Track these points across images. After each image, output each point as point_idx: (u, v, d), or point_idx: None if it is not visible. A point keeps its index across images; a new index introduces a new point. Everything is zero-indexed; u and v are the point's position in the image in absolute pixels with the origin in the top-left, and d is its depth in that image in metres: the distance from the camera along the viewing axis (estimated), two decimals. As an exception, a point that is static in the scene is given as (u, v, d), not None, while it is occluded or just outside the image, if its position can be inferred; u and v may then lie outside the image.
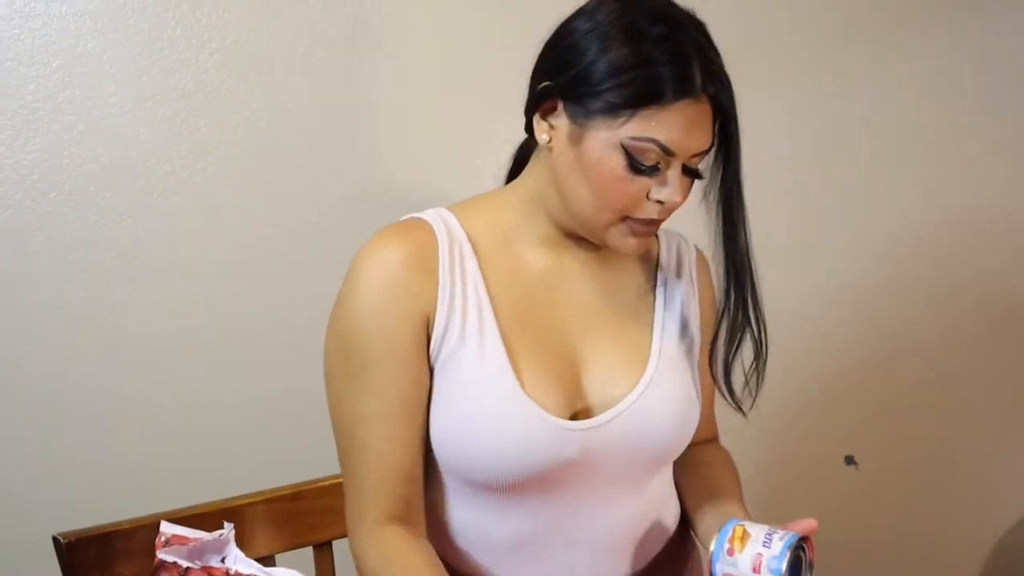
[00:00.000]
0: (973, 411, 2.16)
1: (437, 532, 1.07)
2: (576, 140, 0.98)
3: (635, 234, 1.00)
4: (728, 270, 1.04)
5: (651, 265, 1.14)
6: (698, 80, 0.94)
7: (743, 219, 1.03)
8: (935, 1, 1.96)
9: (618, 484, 1.07)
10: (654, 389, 1.06)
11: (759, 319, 1.06)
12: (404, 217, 1.06)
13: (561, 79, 0.98)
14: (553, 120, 1.00)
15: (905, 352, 2.08)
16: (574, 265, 1.08)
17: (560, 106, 0.99)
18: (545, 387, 1.01)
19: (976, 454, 2.18)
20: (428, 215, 1.05)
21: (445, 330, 1.00)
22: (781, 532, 0.95)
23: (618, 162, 0.95)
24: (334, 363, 1.02)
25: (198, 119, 1.55)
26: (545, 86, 0.99)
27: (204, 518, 1.21)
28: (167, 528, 0.93)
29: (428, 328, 1.00)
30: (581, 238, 1.06)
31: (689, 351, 1.13)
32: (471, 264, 1.03)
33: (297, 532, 1.29)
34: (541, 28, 1.03)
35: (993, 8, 2.00)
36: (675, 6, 0.99)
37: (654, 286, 1.13)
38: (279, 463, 1.51)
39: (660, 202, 0.98)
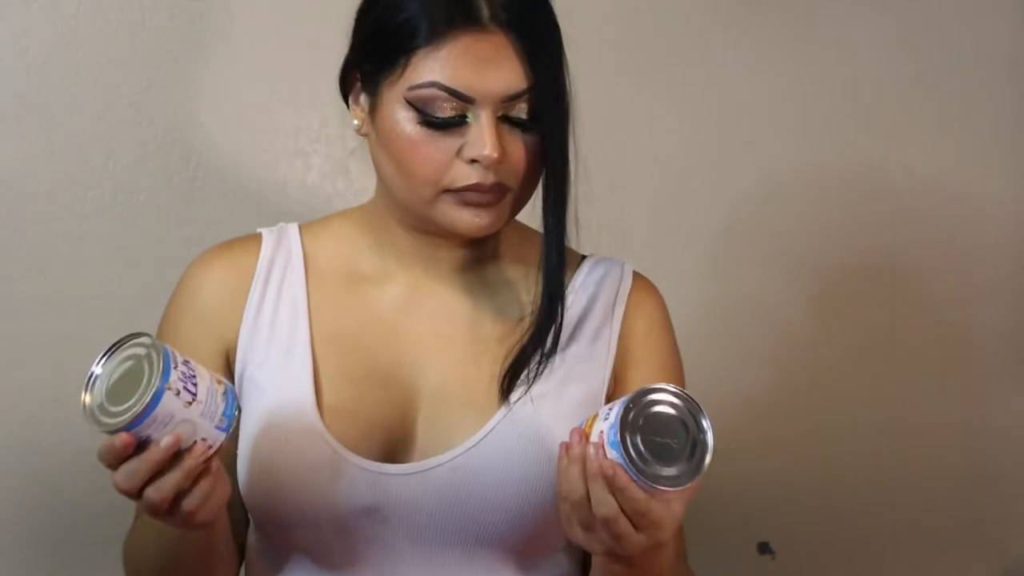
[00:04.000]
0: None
1: None
2: (373, 111, 0.94)
3: (466, 203, 0.91)
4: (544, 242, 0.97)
5: None
6: (484, 9, 0.89)
7: (562, 192, 0.95)
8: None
9: (449, 567, 0.95)
10: (498, 442, 0.95)
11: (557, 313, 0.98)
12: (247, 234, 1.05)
13: (353, 46, 0.96)
14: (358, 99, 0.97)
15: (820, 428, 1.85)
16: (438, 283, 1.01)
17: (357, 77, 0.96)
18: (353, 419, 0.95)
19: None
20: (268, 230, 1.04)
21: (247, 350, 0.98)
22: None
23: (409, 120, 0.90)
24: None
25: None
26: (344, 60, 0.97)
27: None
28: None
29: (230, 357, 0.99)
30: (456, 246, 1.01)
31: (579, 402, 0.99)
32: (295, 279, 1.00)
33: None
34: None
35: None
36: None
37: None
38: None
39: (474, 160, 0.89)
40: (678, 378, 1.06)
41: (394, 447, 0.95)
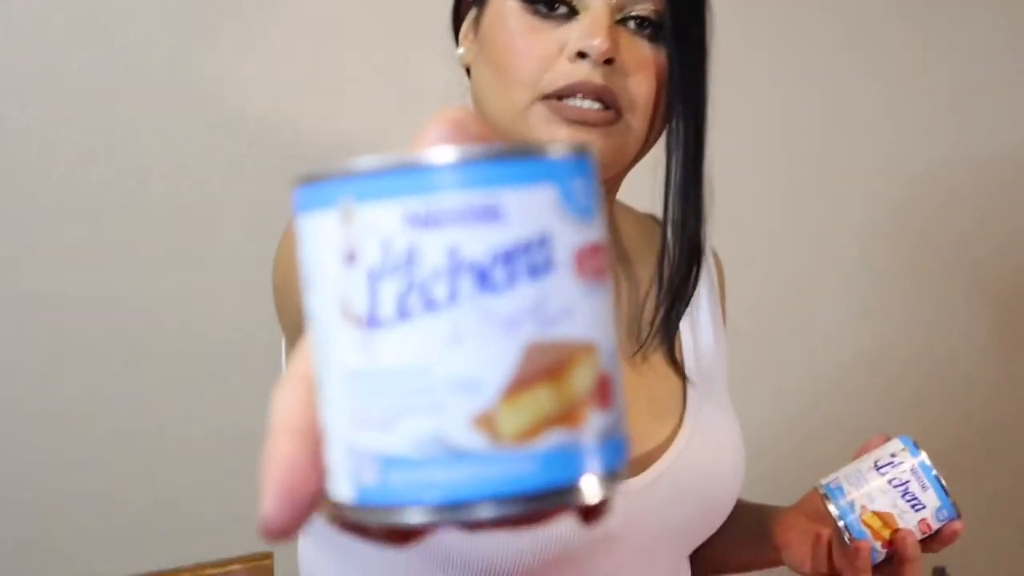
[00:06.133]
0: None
1: None
2: (478, 24, 0.80)
3: (564, 117, 0.74)
4: (675, 185, 0.83)
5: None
6: None
7: (700, 116, 0.81)
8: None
9: (655, 566, 0.83)
10: (701, 431, 0.84)
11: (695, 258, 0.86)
12: None
13: None
14: (468, 24, 0.83)
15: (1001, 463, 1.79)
16: None
17: (472, 4, 0.83)
18: None
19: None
20: None
21: None
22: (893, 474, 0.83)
23: (513, 11, 0.76)
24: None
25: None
26: None
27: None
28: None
29: None
30: None
31: (720, 372, 0.92)
32: None
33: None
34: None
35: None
36: None
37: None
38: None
39: (581, 54, 0.73)
40: None
41: None
